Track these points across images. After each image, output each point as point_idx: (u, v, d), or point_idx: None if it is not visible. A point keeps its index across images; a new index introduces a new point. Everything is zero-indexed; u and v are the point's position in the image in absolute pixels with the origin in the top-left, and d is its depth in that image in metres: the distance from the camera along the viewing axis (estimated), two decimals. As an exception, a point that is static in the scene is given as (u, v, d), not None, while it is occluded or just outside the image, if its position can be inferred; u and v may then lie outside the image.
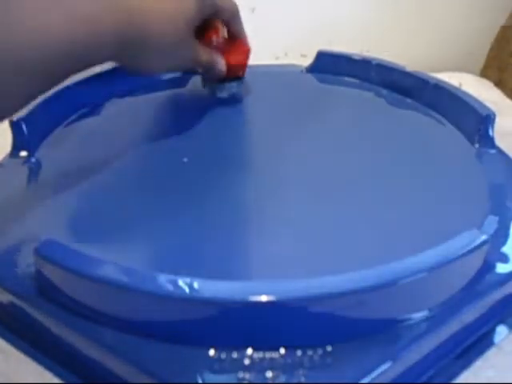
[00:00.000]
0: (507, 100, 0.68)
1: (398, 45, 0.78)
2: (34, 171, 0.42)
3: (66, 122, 0.49)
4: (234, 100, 0.53)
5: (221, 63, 0.50)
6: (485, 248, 0.31)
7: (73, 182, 0.41)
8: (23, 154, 0.44)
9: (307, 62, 0.61)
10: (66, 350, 0.31)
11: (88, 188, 0.40)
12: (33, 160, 0.43)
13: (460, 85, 0.56)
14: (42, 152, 0.44)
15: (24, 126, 0.44)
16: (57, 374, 0.31)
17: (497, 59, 0.74)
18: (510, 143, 0.46)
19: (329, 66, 0.58)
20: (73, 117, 0.49)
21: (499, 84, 0.72)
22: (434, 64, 0.73)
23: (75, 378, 0.31)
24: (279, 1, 0.75)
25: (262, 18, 0.75)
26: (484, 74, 0.76)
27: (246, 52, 0.53)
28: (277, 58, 0.77)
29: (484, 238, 0.31)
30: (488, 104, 0.47)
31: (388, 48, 0.74)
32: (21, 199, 0.39)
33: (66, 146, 0.46)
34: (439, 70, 0.66)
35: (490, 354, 0.32)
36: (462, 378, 0.31)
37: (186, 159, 0.43)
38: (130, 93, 0.54)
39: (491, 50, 0.75)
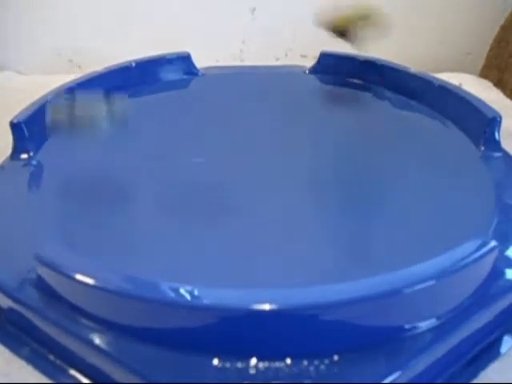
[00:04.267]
0: (507, 100, 0.67)
1: (398, 45, 0.78)
2: (35, 174, 0.42)
3: (66, 124, 0.48)
4: (235, 101, 0.53)
5: None
6: (493, 255, 0.31)
7: (74, 184, 0.40)
8: (24, 156, 0.43)
9: (307, 62, 0.61)
10: (67, 357, 0.31)
11: (89, 191, 0.40)
12: (33, 162, 0.43)
13: (460, 85, 0.56)
14: (43, 154, 0.44)
15: (25, 128, 0.43)
16: (58, 380, 0.31)
17: (496, 59, 0.74)
18: (511, 144, 0.46)
19: (332, 66, 0.58)
20: (73, 118, 0.49)
21: (499, 84, 0.72)
22: (434, 64, 0.73)
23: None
24: (279, 1, 0.75)
25: (262, 19, 0.75)
26: (483, 74, 0.76)
27: None
28: (277, 59, 0.77)
29: (493, 244, 0.30)
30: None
31: (387, 48, 0.74)
32: (21, 202, 0.39)
33: (67, 148, 0.45)
34: (439, 71, 0.66)
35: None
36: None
37: (198, 159, 0.43)
38: (131, 94, 0.53)
39: (491, 50, 0.75)
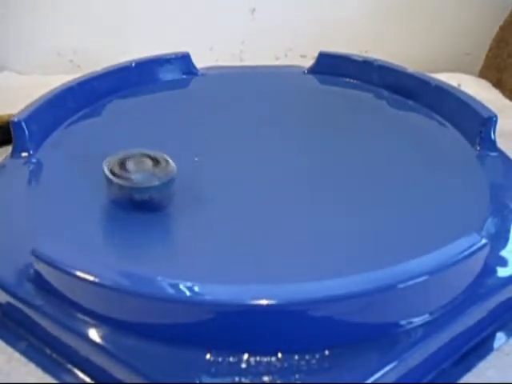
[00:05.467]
0: (506, 100, 0.68)
1: (397, 45, 0.79)
2: (35, 172, 0.42)
3: (67, 123, 0.49)
4: (235, 101, 0.53)
5: None
6: (485, 252, 0.31)
7: (73, 182, 0.41)
8: (24, 154, 0.43)
9: (307, 62, 0.61)
10: (64, 352, 0.31)
11: (89, 189, 0.40)
12: (33, 160, 0.43)
13: (459, 85, 0.57)
14: (43, 153, 0.44)
15: (25, 127, 0.43)
16: (55, 375, 0.31)
17: (495, 60, 0.74)
18: (509, 144, 0.46)
19: (330, 67, 0.58)
20: (74, 117, 0.49)
21: (498, 84, 0.72)
22: (433, 64, 0.73)
23: (73, 380, 0.31)
24: (279, 1, 0.75)
25: (261, 19, 0.75)
26: (483, 74, 0.76)
27: None
28: (277, 59, 0.78)
29: (484, 241, 0.31)
30: (486, 105, 0.47)
31: (386, 49, 0.75)
32: (21, 200, 0.39)
33: (67, 146, 0.46)
34: (438, 71, 0.66)
35: (490, 355, 0.33)
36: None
37: (197, 158, 0.44)
38: (132, 93, 0.54)
39: (490, 50, 0.75)
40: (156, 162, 0.38)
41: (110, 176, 0.37)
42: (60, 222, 0.37)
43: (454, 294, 0.31)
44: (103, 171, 0.37)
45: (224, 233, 0.36)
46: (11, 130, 0.44)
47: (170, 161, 0.38)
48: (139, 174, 0.37)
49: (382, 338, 0.28)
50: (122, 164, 0.37)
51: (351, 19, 0.77)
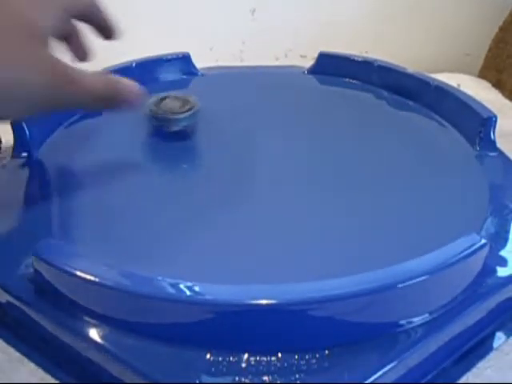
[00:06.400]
0: (505, 101, 0.68)
1: (397, 45, 0.79)
2: (35, 172, 0.42)
3: (67, 123, 0.49)
4: (235, 101, 0.53)
5: (128, 87, 0.37)
6: (484, 252, 0.31)
7: (73, 183, 0.41)
8: (24, 154, 0.44)
9: (307, 62, 0.61)
10: (64, 352, 0.31)
11: (89, 189, 0.40)
12: (34, 161, 0.43)
13: (458, 85, 0.57)
14: (43, 153, 0.44)
15: (25, 127, 0.43)
16: (55, 375, 0.31)
17: (495, 60, 0.74)
18: (508, 144, 0.46)
19: (330, 67, 0.58)
20: (74, 118, 0.49)
21: (497, 85, 0.72)
22: (432, 65, 0.73)
23: (73, 380, 0.31)
24: (279, 1, 0.75)
25: (261, 19, 0.75)
26: (482, 74, 0.76)
27: None
28: (277, 59, 0.78)
29: (483, 242, 0.31)
30: (486, 105, 0.47)
31: (386, 49, 0.75)
32: (21, 200, 0.39)
33: (67, 147, 0.45)
34: (438, 71, 0.66)
35: (489, 355, 0.33)
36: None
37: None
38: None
39: (489, 51, 0.75)
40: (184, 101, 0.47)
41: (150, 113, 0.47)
42: (60, 222, 0.37)
43: (454, 294, 0.31)
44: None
45: (223, 233, 0.36)
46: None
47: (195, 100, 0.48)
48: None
49: (381, 337, 0.28)
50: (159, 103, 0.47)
51: (351, 19, 0.77)
